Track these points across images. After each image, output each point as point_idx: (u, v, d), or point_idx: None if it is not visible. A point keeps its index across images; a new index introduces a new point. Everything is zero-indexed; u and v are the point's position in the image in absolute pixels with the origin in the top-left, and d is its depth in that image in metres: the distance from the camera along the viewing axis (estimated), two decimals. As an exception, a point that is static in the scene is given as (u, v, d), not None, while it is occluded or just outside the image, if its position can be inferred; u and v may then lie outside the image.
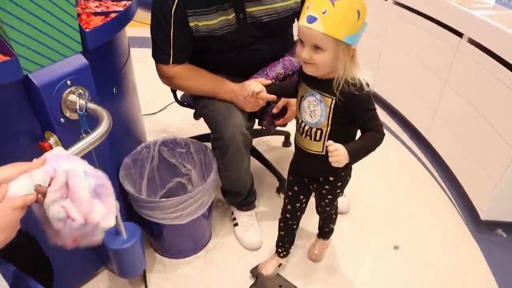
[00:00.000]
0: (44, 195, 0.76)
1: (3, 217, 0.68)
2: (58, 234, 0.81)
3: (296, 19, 1.48)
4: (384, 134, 1.07)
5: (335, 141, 1.11)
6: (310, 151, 1.17)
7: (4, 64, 0.91)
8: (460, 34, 1.82)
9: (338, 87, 1.03)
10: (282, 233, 1.46)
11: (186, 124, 2.33)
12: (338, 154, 0.99)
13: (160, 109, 2.47)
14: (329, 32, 0.95)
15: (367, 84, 1.03)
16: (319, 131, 1.12)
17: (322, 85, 1.06)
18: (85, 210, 0.79)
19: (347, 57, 1.00)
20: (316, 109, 1.09)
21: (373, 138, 1.06)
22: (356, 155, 1.03)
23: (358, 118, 1.06)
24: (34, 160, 0.77)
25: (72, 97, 1.04)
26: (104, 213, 0.82)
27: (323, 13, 0.94)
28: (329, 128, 1.10)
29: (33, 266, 1.02)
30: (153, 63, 1.48)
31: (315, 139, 1.14)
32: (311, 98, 1.09)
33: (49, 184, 0.77)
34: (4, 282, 0.65)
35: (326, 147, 1.12)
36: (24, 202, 0.72)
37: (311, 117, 1.11)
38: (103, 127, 0.97)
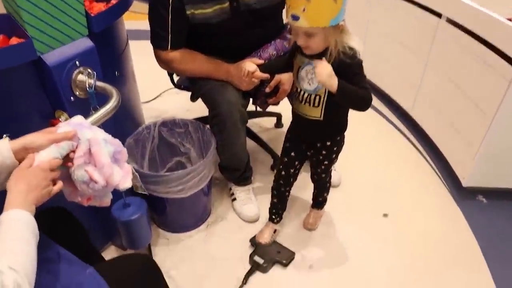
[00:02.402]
0: (71, 161, 0.87)
1: (34, 176, 0.79)
2: (76, 193, 0.93)
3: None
4: (371, 96, 1.17)
5: (331, 107, 1.24)
6: (309, 117, 1.28)
7: (20, 45, 0.99)
8: (439, 15, 1.92)
9: (331, 58, 1.13)
10: (275, 200, 1.57)
11: (180, 110, 2.41)
12: (325, 67, 1.09)
13: (154, 97, 2.55)
14: (313, 24, 1.07)
15: (358, 53, 1.14)
16: (317, 97, 1.23)
17: (318, 54, 1.16)
18: (107, 173, 0.90)
19: (337, 33, 1.11)
20: (313, 77, 1.19)
21: (362, 92, 1.16)
22: (344, 87, 1.12)
23: (350, 82, 1.15)
24: (65, 130, 0.87)
25: (81, 77, 1.13)
26: (122, 176, 0.94)
27: (303, 10, 1.05)
28: (326, 93, 1.21)
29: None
30: (145, 54, 1.56)
31: (313, 105, 1.25)
32: (308, 67, 1.20)
33: (74, 151, 0.87)
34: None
35: (325, 113, 1.24)
36: (50, 164, 0.83)
37: (310, 84, 1.22)
38: (113, 101, 1.06)
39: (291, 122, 1.40)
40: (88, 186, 0.90)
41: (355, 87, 1.15)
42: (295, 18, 1.07)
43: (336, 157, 1.41)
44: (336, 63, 1.13)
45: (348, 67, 1.14)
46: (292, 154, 1.44)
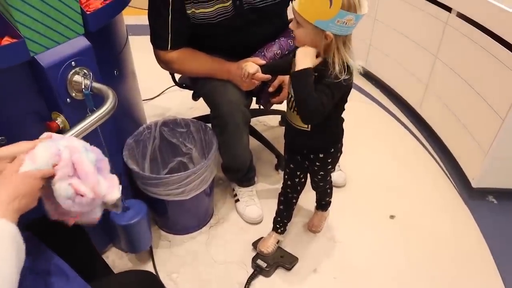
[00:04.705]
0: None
1: (25, 184, 0.73)
2: (59, 211, 0.83)
3: (290, 2, 1.52)
4: (316, 115, 1.08)
5: None
6: (297, 127, 1.23)
7: (12, 46, 0.95)
8: (449, 9, 1.86)
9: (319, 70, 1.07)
10: (281, 207, 1.52)
11: (184, 108, 2.37)
12: (307, 48, 1.06)
13: (157, 94, 2.51)
14: (300, 11, 1.02)
15: (349, 73, 1.06)
16: None
17: (317, 67, 1.09)
18: (92, 183, 0.80)
19: (322, 41, 1.04)
20: None
21: (314, 99, 1.05)
22: (304, 76, 1.05)
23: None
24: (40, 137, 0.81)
25: (77, 78, 1.09)
26: (108, 186, 0.84)
27: None
28: None
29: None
30: (148, 50, 1.52)
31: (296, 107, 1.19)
32: None
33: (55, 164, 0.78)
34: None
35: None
36: (43, 173, 0.76)
37: None
38: (109, 103, 1.02)
39: (285, 130, 1.35)
40: (74, 202, 0.80)
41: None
42: None
43: (333, 168, 1.36)
44: (318, 71, 1.07)
45: (324, 76, 1.06)
46: (292, 166, 1.39)
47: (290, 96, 1.21)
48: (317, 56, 1.07)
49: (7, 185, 0.72)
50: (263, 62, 1.40)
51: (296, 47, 1.16)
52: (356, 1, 0.99)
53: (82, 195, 0.78)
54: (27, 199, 0.73)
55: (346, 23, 1.00)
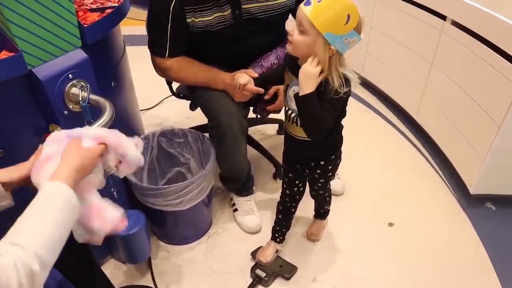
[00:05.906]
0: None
1: (89, 158, 0.78)
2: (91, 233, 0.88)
3: (290, 14, 1.54)
4: (324, 132, 1.11)
5: None
6: (299, 138, 1.23)
7: (9, 59, 0.96)
8: (443, 17, 1.88)
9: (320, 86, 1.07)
10: (280, 216, 1.52)
11: (182, 117, 2.38)
12: (311, 65, 1.04)
13: (155, 104, 2.51)
14: (313, 20, 1.00)
15: (348, 85, 1.08)
16: None
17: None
18: (118, 141, 0.87)
19: (323, 54, 1.03)
20: None
21: (321, 120, 1.08)
22: (309, 100, 1.06)
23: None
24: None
25: (75, 90, 1.09)
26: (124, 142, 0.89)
27: (318, 1, 0.99)
28: None
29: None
30: (146, 60, 1.53)
31: (301, 126, 1.19)
32: (296, 87, 1.14)
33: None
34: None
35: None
36: (101, 148, 0.82)
37: None
38: (106, 115, 1.02)
39: (284, 142, 1.35)
40: (129, 165, 0.89)
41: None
42: (307, 3, 1.01)
43: (333, 175, 1.37)
44: (319, 85, 1.08)
45: (326, 93, 1.07)
46: (290, 175, 1.40)
47: (287, 109, 1.21)
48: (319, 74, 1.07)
49: (79, 156, 0.75)
50: (256, 75, 1.38)
51: (288, 55, 1.17)
52: (362, 25, 1.02)
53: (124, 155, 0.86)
54: (86, 173, 0.77)
55: (350, 43, 1.03)
